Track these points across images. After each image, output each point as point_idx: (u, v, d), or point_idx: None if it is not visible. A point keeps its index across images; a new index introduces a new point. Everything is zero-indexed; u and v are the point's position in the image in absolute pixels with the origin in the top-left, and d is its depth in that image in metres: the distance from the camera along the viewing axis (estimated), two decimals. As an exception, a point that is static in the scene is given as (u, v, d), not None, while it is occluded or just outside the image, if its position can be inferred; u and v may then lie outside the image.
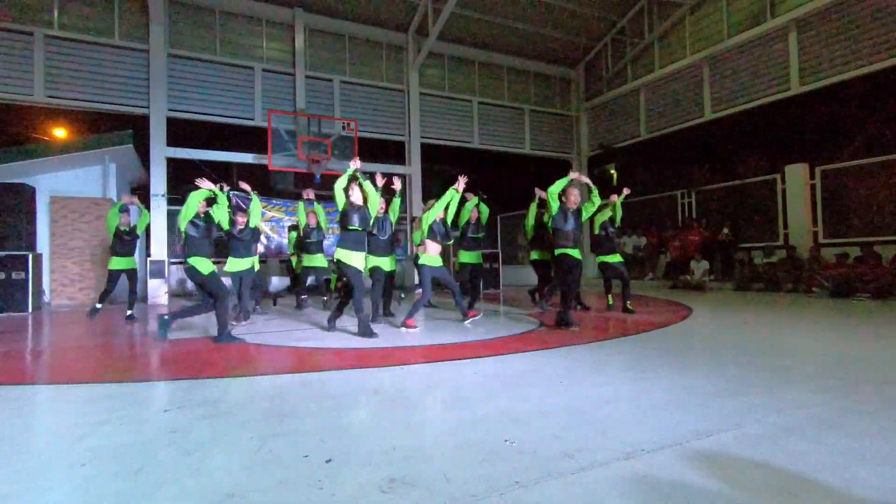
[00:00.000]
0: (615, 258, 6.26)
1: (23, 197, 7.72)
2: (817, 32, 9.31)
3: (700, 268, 10.03)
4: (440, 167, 16.41)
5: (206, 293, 4.66)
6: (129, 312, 6.32)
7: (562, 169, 14.97)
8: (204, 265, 4.55)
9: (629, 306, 6.11)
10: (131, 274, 6.38)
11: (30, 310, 7.36)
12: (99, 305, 6.43)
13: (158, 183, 9.60)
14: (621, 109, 13.54)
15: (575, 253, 4.96)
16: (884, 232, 8.56)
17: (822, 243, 9.26)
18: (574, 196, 5.05)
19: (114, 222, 6.21)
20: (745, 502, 1.43)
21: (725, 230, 10.55)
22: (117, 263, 6.24)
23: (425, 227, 5.30)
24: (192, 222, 4.57)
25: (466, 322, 5.24)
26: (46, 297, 8.56)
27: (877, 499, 1.43)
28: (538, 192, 6.40)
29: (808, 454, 1.75)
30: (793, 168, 9.86)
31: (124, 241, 6.27)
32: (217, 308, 4.52)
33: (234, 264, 5.90)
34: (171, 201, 10.09)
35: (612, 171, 13.74)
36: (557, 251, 5.00)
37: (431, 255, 5.23)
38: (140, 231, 6.54)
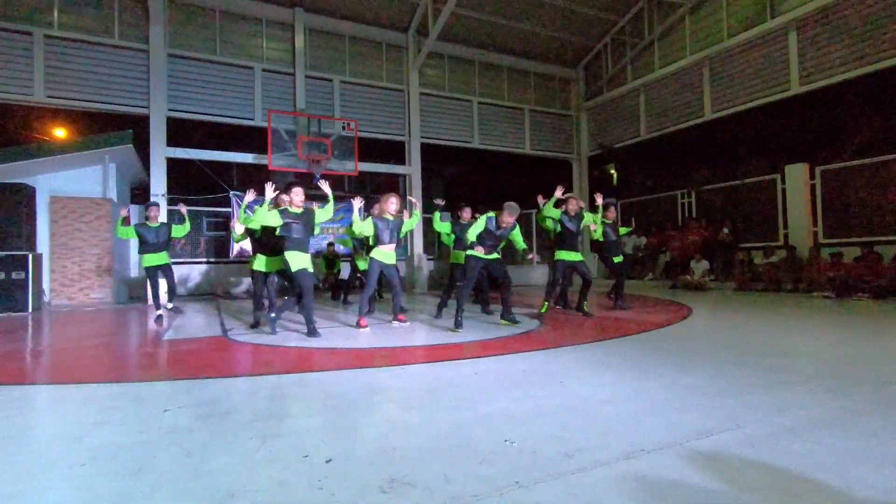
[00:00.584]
0: (575, 256, 5.91)
1: (23, 197, 7.72)
2: (817, 32, 9.31)
3: (700, 268, 10.03)
4: (440, 167, 16.44)
5: (295, 286, 4.78)
6: (159, 312, 6.27)
7: (562, 169, 15.00)
8: (296, 260, 4.65)
9: (586, 308, 5.86)
10: (164, 269, 6.35)
11: (30, 310, 7.36)
12: (164, 309, 6.43)
13: (158, 183, 9.60)
14: (621, 109, 13.54)
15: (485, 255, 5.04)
16: (884, 232, 8.56)
17: (822, 243, 9.26)
18: (508, 216, 5.05)
19: (124, 232, 6.15)
20: (745, 502, 1.42)
21: (725, 230, 10.55)
22: (149, 261, 6.22)
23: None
24: (286, 225, 4.64)
25: (394, 323, 5.34)
26: (46, 297, 8.55)
27: (877, 499, 1.43)
28: (558, 192, 6.01)
29: (808, 454, 1.75)
30: (793, 168, 9.85)
31: (146, 239, 6.16)
32: (303, 301, 4.68)
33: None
34: (170, 201, 10.09)
35: (612, 171, 13.72)
36: (469, 253, 5.08)
37: (383, 250, 5.33)
38: (175, 235, 6.41)
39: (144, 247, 6.20)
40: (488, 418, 2.21)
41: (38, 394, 2.95)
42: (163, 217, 9.57)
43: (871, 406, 2.31)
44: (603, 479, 1.58)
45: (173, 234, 6.40)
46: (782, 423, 2.08)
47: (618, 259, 6.80)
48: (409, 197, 7.21)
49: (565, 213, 5.90)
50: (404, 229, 5.54)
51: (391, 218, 5.35)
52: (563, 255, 5.92)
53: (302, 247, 4.76)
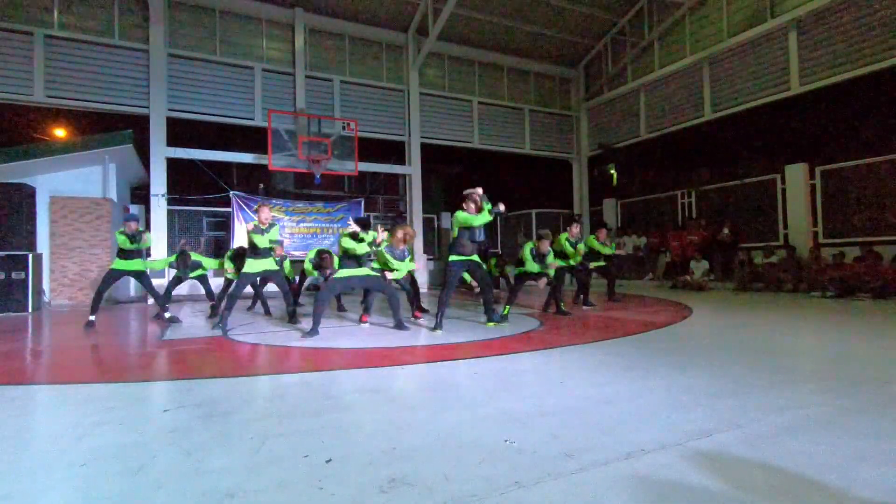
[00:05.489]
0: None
1: (23, 197, 7.72)
2: (817, 32, 9.30)
3: (700, 268, 10.03)
4: (440, 167, 16.43)
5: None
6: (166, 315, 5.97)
7: (562, 169, 15.00)
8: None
9: (563, 308, 6.19)
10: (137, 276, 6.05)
11: (30, 310, 7.36)
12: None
13: (158, 183, 9.60)
14: (621, 109, 13.53)
15: (463, 258, 5.05)
16: (884, 232, 8.56)
17: (822, 243, 9.26)
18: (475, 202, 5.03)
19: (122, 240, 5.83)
20: (745, 502, 1.42)
21: (725, 230, 10.55)
22: (119, 265, 5.90)
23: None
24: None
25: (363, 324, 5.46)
26: (46, 297, 8.55)
27: (877, 499, 1.43)
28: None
29: (808, 454, 1.75)
30: (793, 168, 9.85)
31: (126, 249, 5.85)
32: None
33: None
34: (170, 201, 10.09)
35: (612, 171, 13.71)
36: (451, 257, 5.05)
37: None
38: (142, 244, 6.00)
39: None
40: (488, 418, 2.21)
41: (38, 394, 2.95)
42: (162, 219, 9.58)
43: (871, 406, 2.30)
44: (603, 479, 1.58)
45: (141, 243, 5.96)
46: (782, 423, 2.08)
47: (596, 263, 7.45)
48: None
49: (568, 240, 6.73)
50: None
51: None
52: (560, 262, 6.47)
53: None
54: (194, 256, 6.49)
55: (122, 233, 5.81)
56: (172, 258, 6.58)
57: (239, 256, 6.27)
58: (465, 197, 4.99)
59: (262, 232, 5.25)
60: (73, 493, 1.56)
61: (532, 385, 2.81)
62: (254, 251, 5.36)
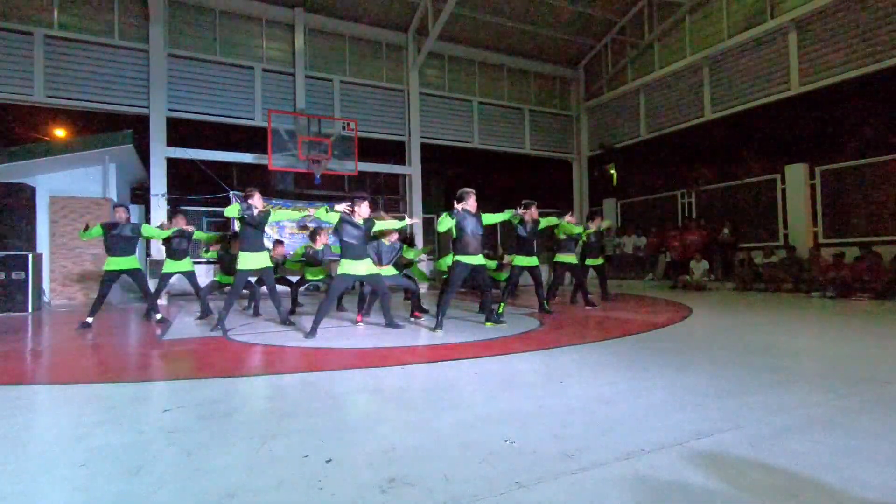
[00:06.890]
0: (531, 261, 6.46)
1: (23, 197, 7.71)
2: (817, 32, 9.30)
3: (700, 268, 10.03)
4: (440, 167, 16.42)
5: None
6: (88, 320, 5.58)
7: (562, 169, 15.00)
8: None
9: (547, 306, 6.31)
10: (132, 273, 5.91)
11: (30, 310, 7.36)
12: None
13: (158, 183, 9.60)
14: (621, 109, 13.53)
15: (470, 259, 5.01)
16: (884, 232, 8.56)
17: (822, 243, 9.25)
18: (472, 200, 5.10)
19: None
20: (745, 502, 1.43)
21: (725, 230, 10.55)
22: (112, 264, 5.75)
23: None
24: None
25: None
26: (46, 297, 8.55)
27: (877, 499, 1.43)
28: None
29: (808, 454, 1.75)
30: (793, 168, 9.85)
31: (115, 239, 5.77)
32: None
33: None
34: (170, 201, 10.09)
35: (612, 171, 13.72)
36: (457, 257, 5.02)
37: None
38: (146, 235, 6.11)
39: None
40: (488, 418, 2.21)
41: (38, 394, 2.95)
42: (162, 219, 9.56)
43: (871, 406, 2.31)
44: (603, 479, 1.58)
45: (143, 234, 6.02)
46: (782, 423, 2.08)
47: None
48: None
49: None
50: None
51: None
52: (562, 258, 6.88)
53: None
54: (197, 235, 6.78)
55: (104, 225, 5.75)
56: (174, 229, 6.40)
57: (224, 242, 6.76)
58: (465, 195, 5.09)
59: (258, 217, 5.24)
60: (73, 493, 1.56)
61: (532, 385, 2.81)
62: (247, 246, 5.21)
